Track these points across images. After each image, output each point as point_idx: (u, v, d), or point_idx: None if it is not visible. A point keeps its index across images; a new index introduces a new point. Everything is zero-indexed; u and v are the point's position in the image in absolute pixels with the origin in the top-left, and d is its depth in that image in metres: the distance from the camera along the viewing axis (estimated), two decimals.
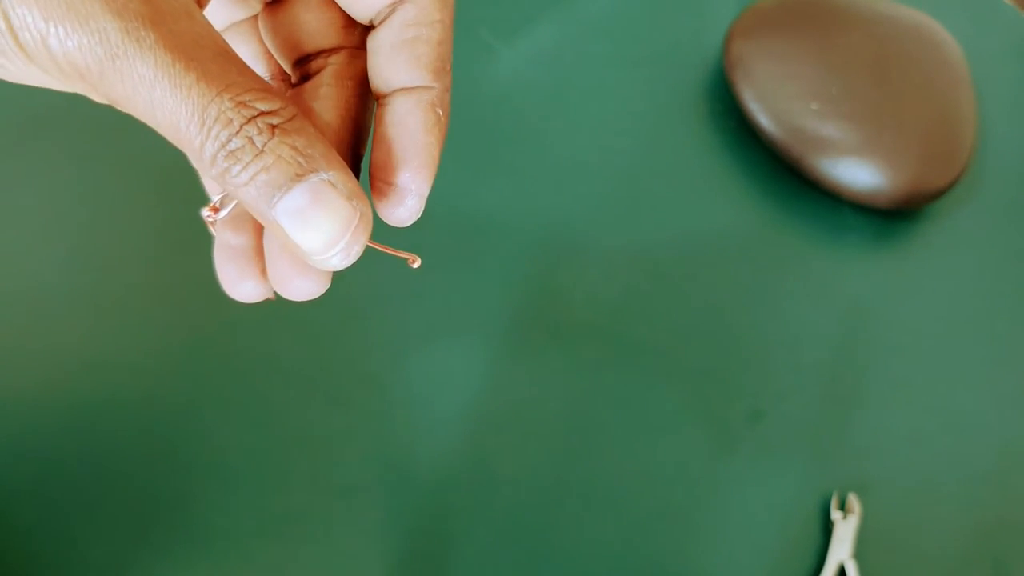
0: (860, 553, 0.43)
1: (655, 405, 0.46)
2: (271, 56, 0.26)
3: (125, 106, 0.20)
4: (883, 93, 0.53)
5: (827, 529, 0.44)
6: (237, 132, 0.19)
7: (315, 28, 0.25)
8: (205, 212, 0.24)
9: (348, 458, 0.43)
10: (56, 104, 0.51)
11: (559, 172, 0.53)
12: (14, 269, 0.47)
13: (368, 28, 0.25)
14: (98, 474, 0.42)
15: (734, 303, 0.50)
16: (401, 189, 0.24)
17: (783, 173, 0.54)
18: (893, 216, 0.54)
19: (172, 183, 0.43)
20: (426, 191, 0.24)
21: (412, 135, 0.23)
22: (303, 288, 0.23)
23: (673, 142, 0.56)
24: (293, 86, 0.25)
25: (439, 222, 0.50)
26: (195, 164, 0.21)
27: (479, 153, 0.53)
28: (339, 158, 0.21)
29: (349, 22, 0.25)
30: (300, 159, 0.20)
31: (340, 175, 0.21)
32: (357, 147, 0.25)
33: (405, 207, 0.24)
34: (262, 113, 0.20)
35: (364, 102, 0.25)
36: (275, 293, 0.25)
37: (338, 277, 0.23)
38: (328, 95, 0.24)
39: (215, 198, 0.25)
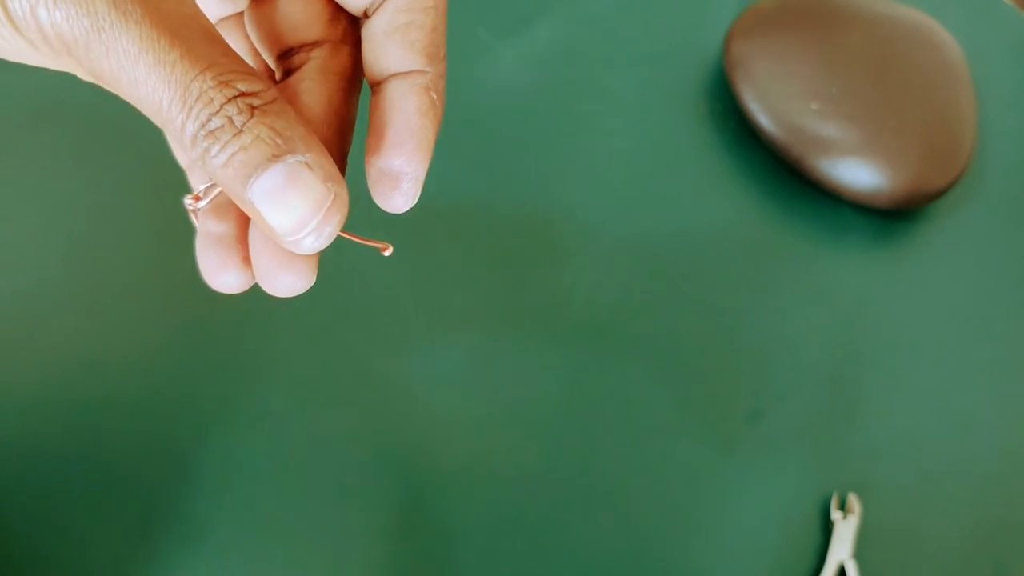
0: (860, 553, 0.43)
1: (655, 405, 0.46)
2: (257, 54, 0.26)
3: (110, 82, 0.20)
4: (883, 93, 0.53)
5: (827, 529, 0.44)
6: (217, 111, 0.20)
7: (299, 21, 0.25)
8: (187, 200, 0.24)
9: (348, 457, 0.43)
10: (56, 101, 0.51)
11: (558, 172, 0.53)
12: (14, 269, 0.47)
13: (355, 20, 0.25)
14: (98, 474, 0.42)
15: (734, 303, 0.50)
16: (396, 173, 0.23)
17: (783, 173, 0.54)
18: (893, 216, 0.54)
19: (171, 182, 0.43)
20: (422, 175, 0.24)
21: (407, 119, 0.23)
22: (286, 283, 0.23)
23: (673, 142, 0.56)
24: (277, 82, 0.25)
25: (438, 222, 0.50)
26: (176, 146, 0.21)
27: (478, 153, 0.53)
28: (318, 141, 0.21)
29: (334, 15, 0.25)
30: (278, 140, 0.20)
31: (317, 157, 0.21)
32: (342, 142, 0.24)
33: (400, 192, 0.24)
34: (243, 94, 0.20)
35: (348, 97, 0.25)
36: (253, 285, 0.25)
37: (336, 276, 0.23)
38: (311, 89, 0.24)
39: (199, 187, 0.24)
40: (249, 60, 0.26)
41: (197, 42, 0.19)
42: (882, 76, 0.53)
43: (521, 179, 0.53)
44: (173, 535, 0.41)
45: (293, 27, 0.25)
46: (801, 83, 0.53)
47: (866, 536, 0.43)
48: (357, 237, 0.24)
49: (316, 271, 0.24)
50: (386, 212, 0.24)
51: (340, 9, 0.25)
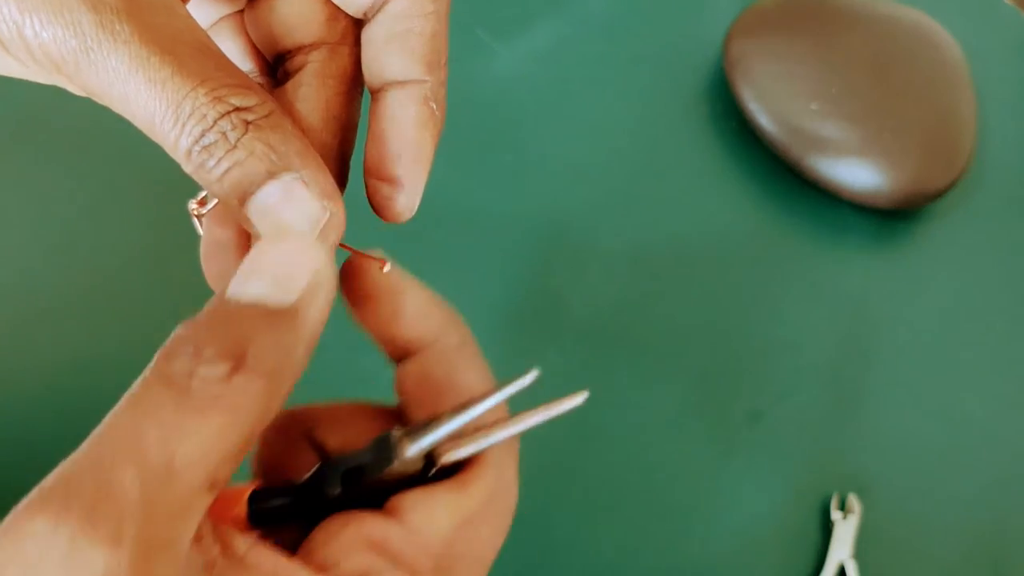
0: (860, 553, 0.43)
1: (655, 405, 0.46)
2: (258, 52, 0.26)
3: (102, 98, 0.20)
4: (883, 93, 0.52)
5: (827, 529, 0.44)
6: (211, 127, 0.19)
7: (296, 22, 0.24)
8: (192, 205, 0.24)
9: None
10: (52, 102, 0.51)
11: (558, 172, 0.53)
12: (13, 269, 0.47)
13: (355, 21, 0.24)
14: None
15: (733, 303, 0.50)
16: (393, 184, 0.23)
17: (783, 173, 0.54)
18: (893, 216, 0.54)
19: (170, 181, 0.43)
20: (420, 188, 0.23)
21: (404, 131, 0.23)
22: None
23: (672, 142, 0.56)
24: (275, 86, 0.25)
25: (437, 222, 0.50)
26: (173, 157, 0.20)
27: (477, 153, 0.53)
28: (316, 156, 0.21)
29: (332, 15, 0.24)
30: (273, 156, 0.20)
31: (314, 173, 0.20)
32: (343, 147, 0.24)
33: (398, 203, 0.23)
34: (237, 109, 0.19)
35: (348, 100, 0.24)
36: None
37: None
38: (308, 95, 0.24)
39: (203, 192, 0.24)
40: (249, 61, 0.26)
41: (189, 56, 0.19)
42: (882, 76, 0.53)
43: (520, 179, 0.53)
44: None
45: (290, 28, 0.24)
46: (801, 83, 0.53)
47: (866, 536, 0.43)
48: (355, 250, 0.24)
49: None
50: None
51: (339, 9, 0.24)
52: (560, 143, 0.54)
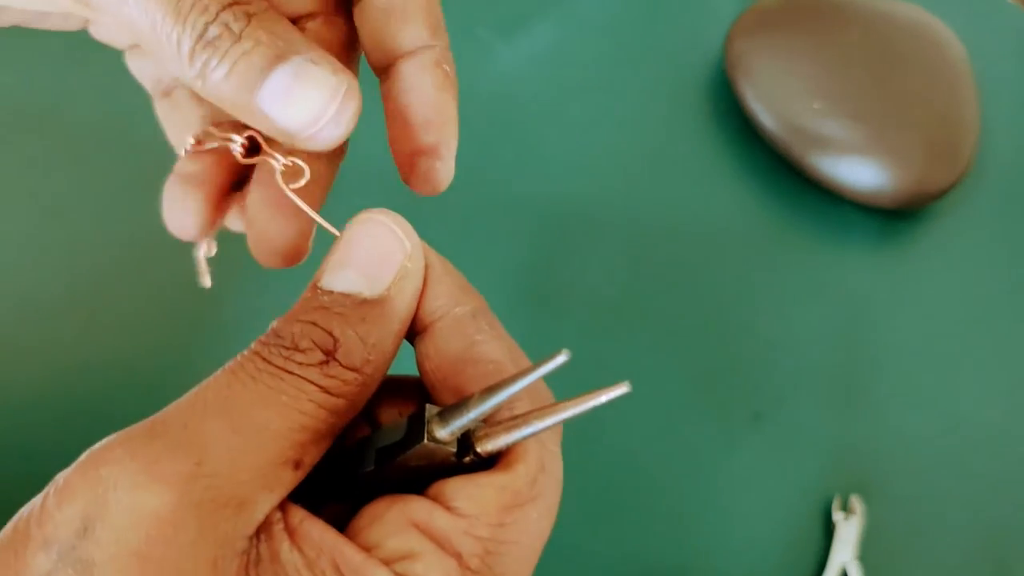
0: (863, 554, 0.43)
1: (655, 405, 0.46)
2: None
3: (96, 4, 0.19)
4: (885, 91, 0.52)
5: (829, 530, 0.43)
6: (214, 19, 0.19)
7: None
8: (188, 144, 0.24)
9: None
10: (52, 102, 0.51)
11: (558, 172, 0.53)
12: (13, 269, 0.47)
13: None
14: None
15: (735, 303, 0.50)
16: (428, 154, 0.23)
17: (785, 172, 0.54)
18: (895, 215, 0.53)
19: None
20: (454, 147, 0.23)
21: (426, 96, 0.23)
22: (281, 231, 0.23)
23: (674, 142, 0.55)
24: None
25: (435, 222, 0.50)
26: (172, 71, 0.20)
27: (475, 153, 0.53)
28: (317, 45, 0.21)
29: None
30: (279, 41, 0.20)
31: (322, 54, 0.20)
32: None
33: (436, 171, 0.23)
34: (237, 2, 0.19)
35: (347, 67, 0.24)
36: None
37: None
38: None
39: (199, 131, 0.24)
40: None
41: None
42: (884, 74, 0.53)
43: (520, 179, 0.53)
44: None
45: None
46: (803, 82, 0.53)
47: (869, 537, 0.43)
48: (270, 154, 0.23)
49: (311, 233, 0.24)
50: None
51: None
52: (560, 143, 0.54)
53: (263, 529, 0.18)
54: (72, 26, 0.24)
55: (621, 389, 0.19)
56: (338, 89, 0.20)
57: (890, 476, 0.45)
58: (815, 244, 0.52)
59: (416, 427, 0.21)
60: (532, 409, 0.20)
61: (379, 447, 0.21)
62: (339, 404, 0.19)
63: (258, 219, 0.24)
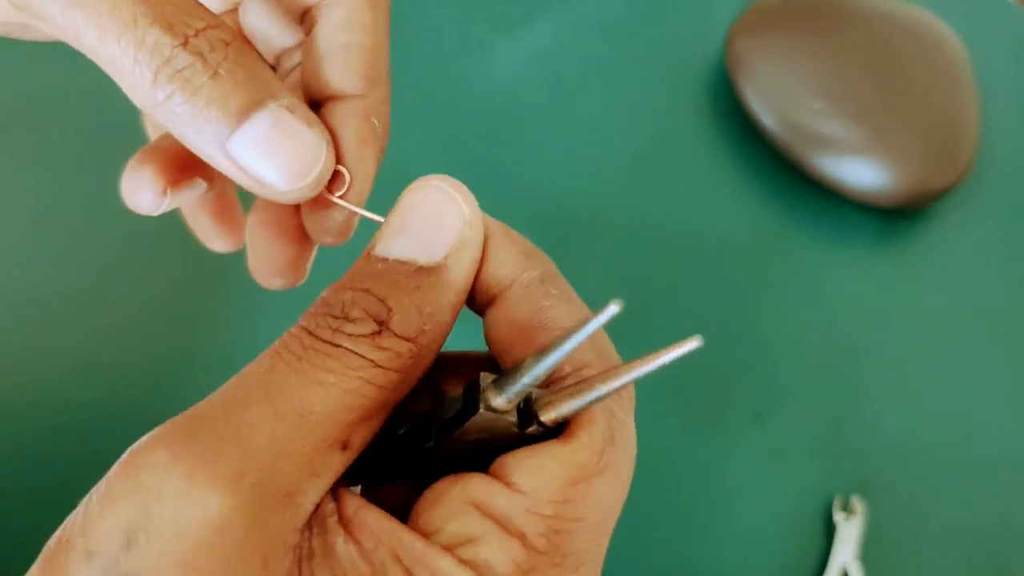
0: (864, 555, 0.43)
1: (655, 406, 0.46)
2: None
3: (60, 29, 0.18)
4: (886, 91, 0.52)
5: (830, 531, 0.43)
6: (184, 43, 0.17)
7: (272, 31, 0.24)
8: None
9: None
10: (52, 100, 0.51)
11: (558, 171, 0.53)
12: (13, 269, 0.47)
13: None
14: (98, 475, 0.42)
15: (736, 303, 0.50)
16: (333, 203, 0.22)
17: (785, 172, 0.54)
18: (896, 215, 0.53)
19: None
20: (360, 204, 0.22)
21: (344, 147, 0.21)
22: (280, 253, 0.22)
23: (674, 141, 0.55)
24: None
25: None
26: (135, 100, 0.18)
27: (475, 152, 0.53)
28: (286, 87, 0.19)
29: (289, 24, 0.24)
30: (256, 82, 0.18)
31: (295, 101, 0.19)
32: None
33: (334, 221, 0.22)
34: (209, 26, 0.17)
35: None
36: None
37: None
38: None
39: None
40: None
41: None
42: (885, 74, 0.53)
43: (520, 178, 0.53)
44: None
45: (266, 39, 0.24)
46: (803, 82, 0.53)
47: (870, 538, 0.43)
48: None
49: (308, 267, 0.23)
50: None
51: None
52: (560, 142, 0.54)
53: (316, 522, 0.17)
54: (39, 36, 0.22)
55: (693, 343, 0.18)
56: (318, 150, 0.19)
57: (890, 476, 0.45)
58: (816, 243, 0.52)
59: (472, 397, 0.19)
60: (598, 372, 0.19)
61: (439, 421, 0.20)
62: (391, 378, 0.18)
63: (258, 242, 0.24)
